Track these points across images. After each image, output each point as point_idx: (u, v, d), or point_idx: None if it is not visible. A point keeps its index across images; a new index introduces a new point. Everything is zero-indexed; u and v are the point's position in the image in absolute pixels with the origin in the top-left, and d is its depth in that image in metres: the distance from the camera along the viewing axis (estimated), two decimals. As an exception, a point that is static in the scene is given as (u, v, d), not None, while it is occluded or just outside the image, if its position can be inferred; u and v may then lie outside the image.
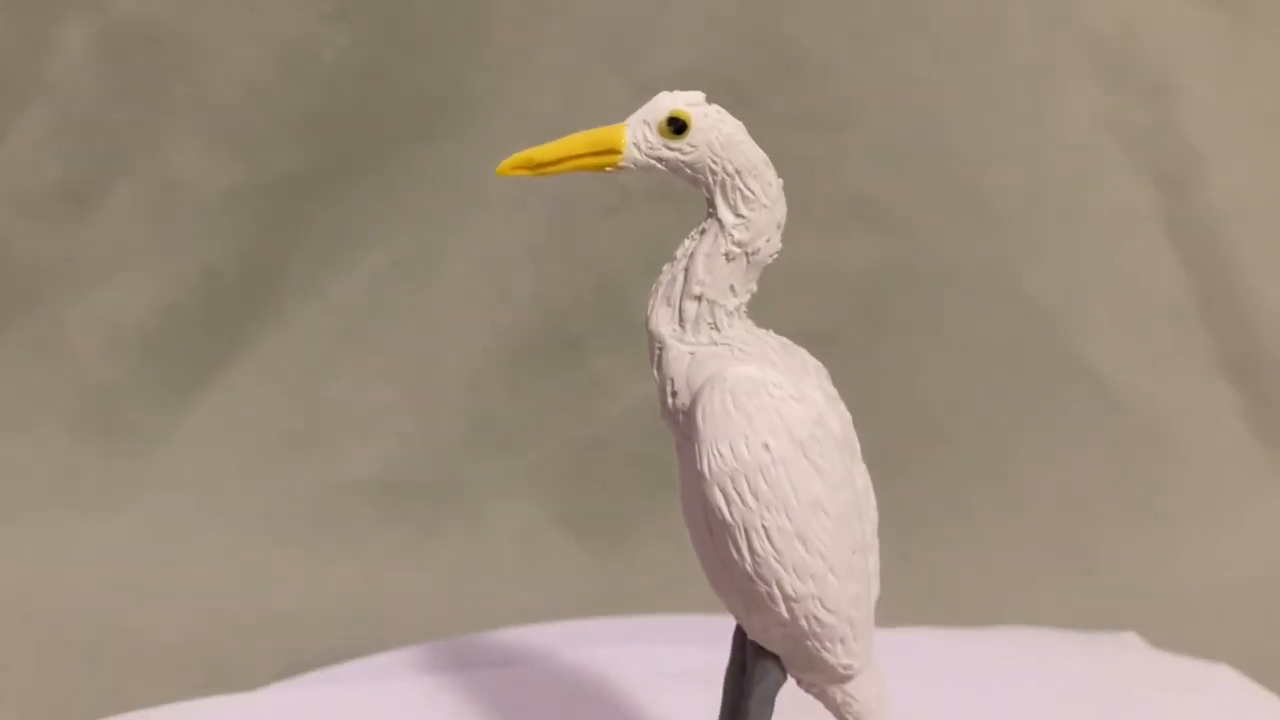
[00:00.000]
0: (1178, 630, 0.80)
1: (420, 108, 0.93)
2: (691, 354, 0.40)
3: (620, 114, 0.93)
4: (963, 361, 0.94)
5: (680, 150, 0.40)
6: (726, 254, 0.40)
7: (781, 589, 0.39)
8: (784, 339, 0.43)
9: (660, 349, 0.41)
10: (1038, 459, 0.93)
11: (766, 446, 0.39)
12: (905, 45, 0.93)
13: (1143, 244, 0.96)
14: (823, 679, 0.42)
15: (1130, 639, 0.73)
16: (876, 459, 1.00)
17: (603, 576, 0.87)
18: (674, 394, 0.40)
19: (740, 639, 0.44)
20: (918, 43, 0.93)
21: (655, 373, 0.41)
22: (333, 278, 0.94)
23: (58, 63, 0.92)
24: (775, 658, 0.42)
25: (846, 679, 0.42)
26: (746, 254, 0.40)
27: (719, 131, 0.40)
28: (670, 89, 1.01)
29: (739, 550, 0.39)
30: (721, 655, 0.47)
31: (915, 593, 0.83)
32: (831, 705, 0.43)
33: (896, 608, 0.73)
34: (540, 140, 1.00)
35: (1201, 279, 0.96)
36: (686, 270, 0.40)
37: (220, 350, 0.94)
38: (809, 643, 0.40)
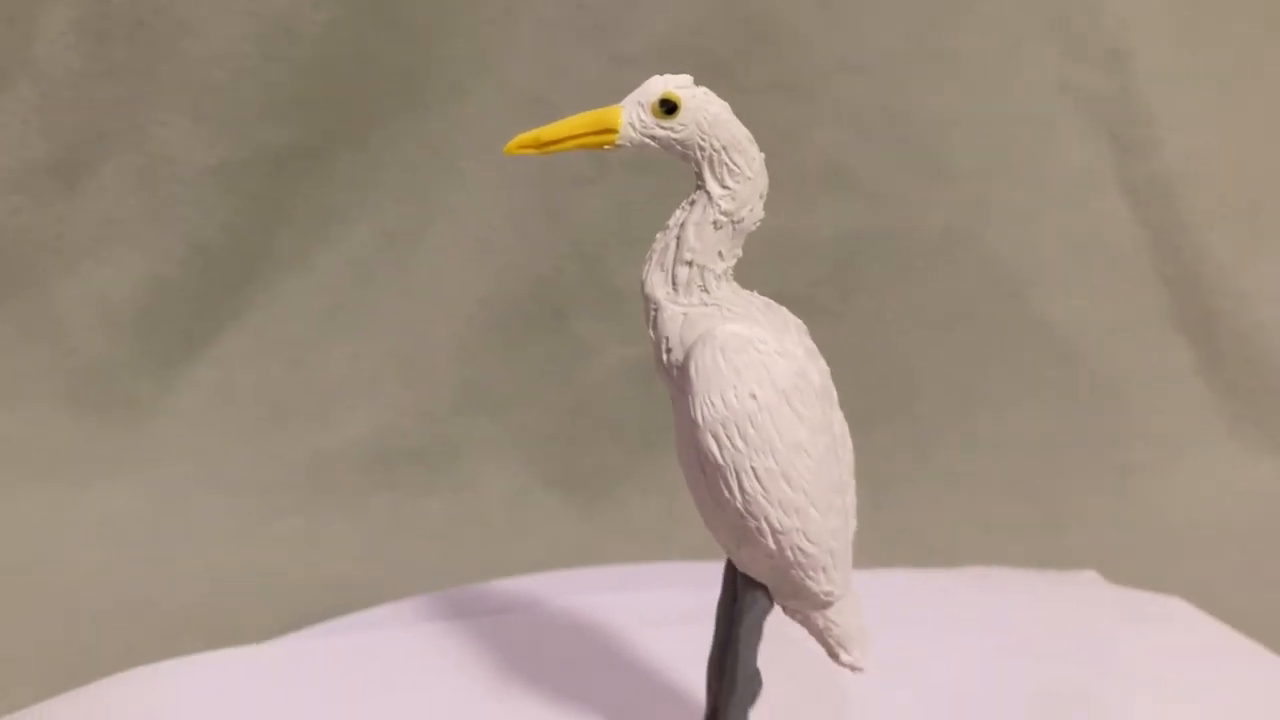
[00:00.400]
0: (1134, 570, 0.84)
1: (402, 83, 0.94)
2: (684, 314, 0.44)
3: (597, 87, 0.95)
4: (930, 321, 0.97)
5: (671, 129, 0.43)
6: (714, 223, 0.44)
7: (769, 523, 0.43)
8: (767, 299, 0.46)
9: (655, 310, 0.44)
10: (1002, 412, 0.96)
11: (753, 396, 0.42)
12: (873, 17, 0.95)
13: (1101, 205, 0.99)
14: (806, 605, 0.46)
15: (1090, 576, 0.77)
16: (849, 414, 1.04)
17: (590, 532, 0.90)
18: (669, 351, 0.44)
19: (731, 574, 0.47)
20: (885, 14, 0.95)
21: (651, 332, 0.44)
22: (320, 251, 0.96)
23: (42, 41, 0.92)
24: (763, 587, 0.45)
25: (828, 605, 0.45)
26: (733, 222, 0.44)
27: (707, 111, 0.43)
28: (646, 62, 1.03)
29: (730, 489, 0.42)
30: (707, 597, 0.50)
31: (887, 539, 0.87)
32: (815, 630, 0.47)
33: (869, 552, 0.77)
34: (519, 113, 1.03)
35: (1157, 238, 0.99)
36: (678, 238, 0.44)
37: (211, 323, 0.95)
38: (794, 572, 0.44)
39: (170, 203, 0.94)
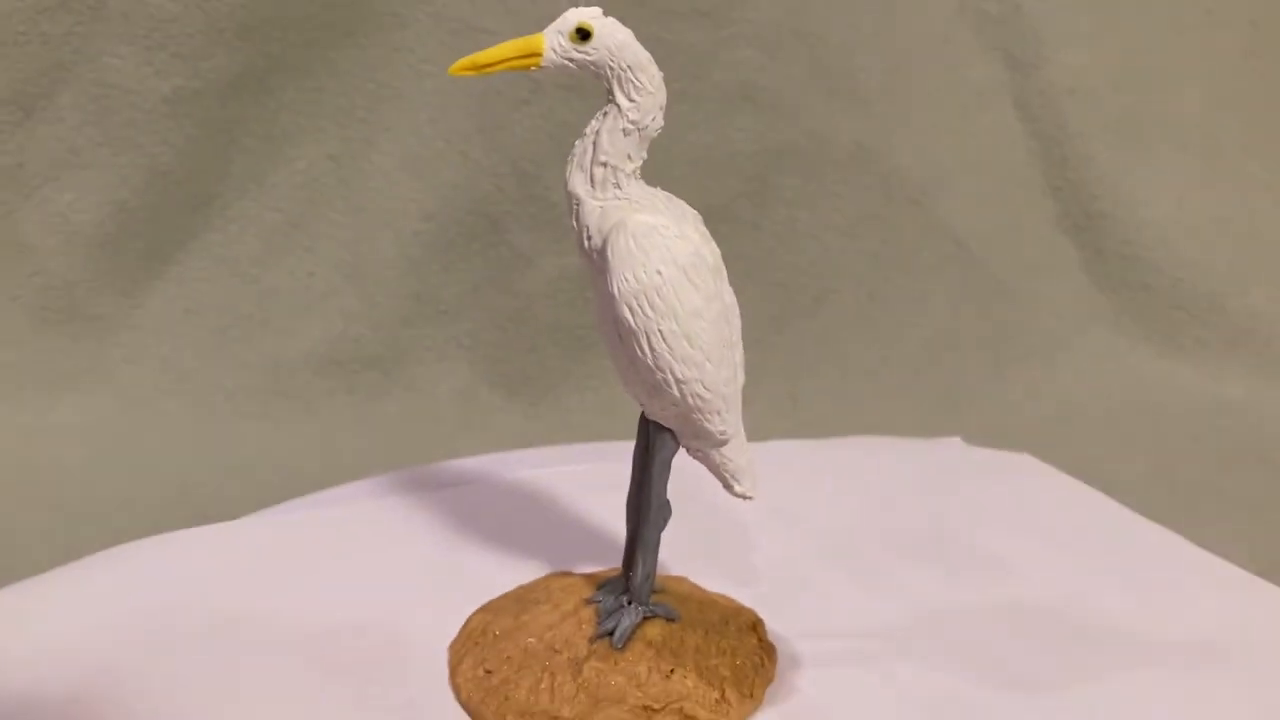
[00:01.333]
0: (1018, 442, 0.93)
1: (344, 12, 0.98)
2: (600, 207, 0.52)
3: (523, 14, 1.00)
4: (839, 228, 1.04)
5: (586, 53, 0.51)
6: (624, 130, 0.52)
7: (674, 374, 0.52)
8: (669, 194, 0.54)
9: (578, 204, 0.52)
10: (905, 312, 1.05)
11: (659, 272, 0.51)
12: (783, -55, 1.01)
13: (995, 119, 1.07)
14: (706, 444, 0.54)
15: (953, 441, 0.86)
16: (767, 317, 1.14)
17: (532, 426, 0.97)
18: (589, 238, 0.52)
19: (643, 425, 0.56)
20: (794, -57, 1.01)
21: (574, 223, 0.52)
22: (272, 172, 1.00)
23: None
24: (670, 431, 0.54)
25: (723, 443, 0.54)
26: (639, 129, 0.52)
27: (614, 38, 0.52)
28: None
29: (641, 349, 0.51)
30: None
31: (802, 424, 0.96)
32: (712, 466, 0.56)
33: (785, 434, 0.87)
34: (454, 39, 1.08)
35: (1046, 148, 1.08)
36: (594, 144, 0.52)
37: (171, 242, 1.00)
38: (695, 415, 0.53)
39: (127, 130, 0.98)
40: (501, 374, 1.01)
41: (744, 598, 0.63)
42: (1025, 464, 0.83)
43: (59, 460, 0.91)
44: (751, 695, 0.56)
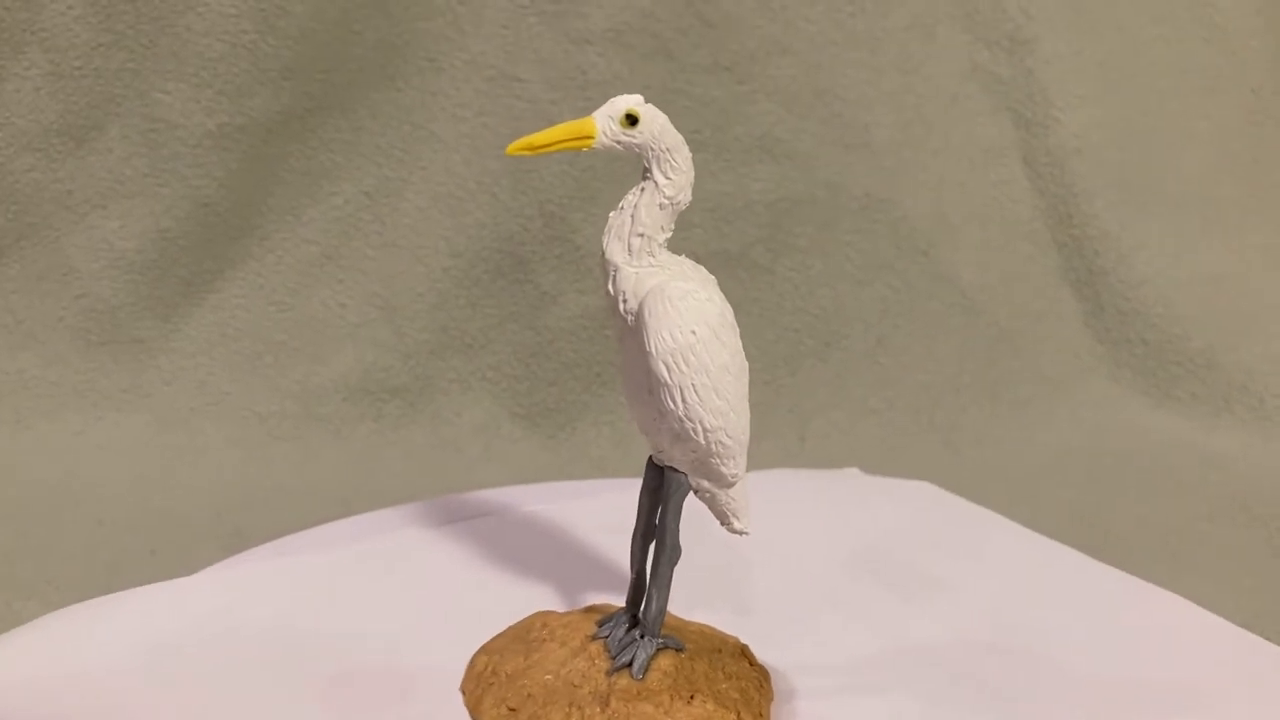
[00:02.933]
0: (1016, 486, 0.97)
1: (383, 56, 1.03)
2: (636, 273, 0.57)
3: (554, 64, 1.05)
4: (850, 276, 1.08)
5: (632, 136, 0.56)
6: (660, 204, 0.57)
7: (703, 424, 0.57)
8: (691, 260, 0.59)
9: (615, 271, 0.57)
10: (911, 358, 1.08)
11: (694, 332, 0.56)
12: (804, 3, 1.06)
13: (1003, 175, 1.11)
14: (717, 485, 0.60)
15: (852, 471, 0.90)
16: (777, 359, 1.18)
17: (551, 459, 1.01)
18: (625, 301, 0.57)
19: (651, 469, 0.61)
20: (815, 3, 1.05)
21: (610, 288, 0.58)
22: (309, 207, 1.05)
23: (50, 12, 0.99)
24: (683, 474, 0.59)
25: (731, 485, 0.60)
26: (672, 204, 0.57)
27: (656, 123, 0.57)
28: (600, 43, 1.13)
29: (674, 401, 0.56)
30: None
31: (807, 466, 1.00)
32: (715, 506, 0.61)
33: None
34: (487, 85, 1.11)
35: (1051, 205, 1.11)
36: (632, 216, 0.57)
37: (211, 271, 1.04)
38: (713, 460, 0.58)
39: (173, 162, 1.02)
40: (523, 406, 1.05)
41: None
42: (925, 491, 0.88)
43: (98, 477, 0.95)
44: (761, 715, 0.60)
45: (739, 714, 0.59)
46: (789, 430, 1.04)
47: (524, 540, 0.78)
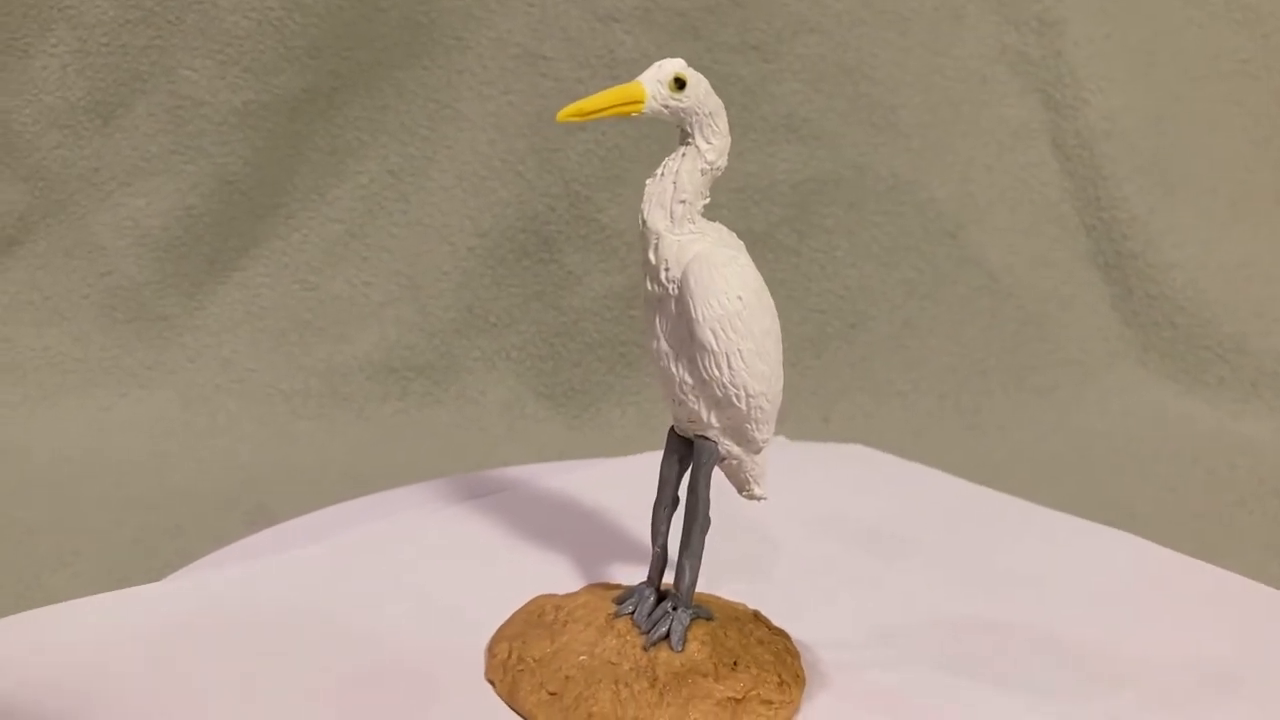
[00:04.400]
0: (1045, 469, 0.96)
1: (408, 34, 1.03)
2: (678, 241, 0.57)
3: (581, 42, 1.04)
4: (876, 257, 1.08)
5: (680, 100, 0.56)
6: (701, 170, 0.57)
7: (747, 390, 0.57)
8: (724, 226, 0.59)
9: (657, 239, 0.57)
10: (938, 340, 1.08)
11: (740, 298, 0.56)
12: (832, -16, 1.05)
13: (1031, 157, 1.10)
14: (746, 451, 0.59)
15: (779, 439, 0.89)
16: (802, 340, 1.17)
17: (573, 436, 1.02)
18: (668, 269, 0.56)
19: (674, 441, 0.60)
20: (843, -18, 1.05)
21: (651, 256, 0.57)
22: (334, 185, 1.05)
23: None
24: (713, 442, 0.58)
25: (760, 450, 0.59)
26: (712, 169, 0.57)
27: (701, 87, 0.56)
28: (628, 21, 1.12)
29: (720, 368, 0.56)
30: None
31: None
32: (735, 472, 0.60)
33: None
34: (514, 63, 1.11)
35: (1079, 188, 1.10)
36: (675, 183, 0.56)
37: (236, 248, 1.05)
38: (748, 425, 0.58)
39: (199, 140, 1.03)
40: (547, 386, 1.05)
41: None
42: (858, 452, 0.88)
43: (123, 452, 0.96)
44: (798, 675, 0.60)
45: (779, 675, 0.59)
46: (813, 412, 1.04)
47: (546, 517, 0.77)
